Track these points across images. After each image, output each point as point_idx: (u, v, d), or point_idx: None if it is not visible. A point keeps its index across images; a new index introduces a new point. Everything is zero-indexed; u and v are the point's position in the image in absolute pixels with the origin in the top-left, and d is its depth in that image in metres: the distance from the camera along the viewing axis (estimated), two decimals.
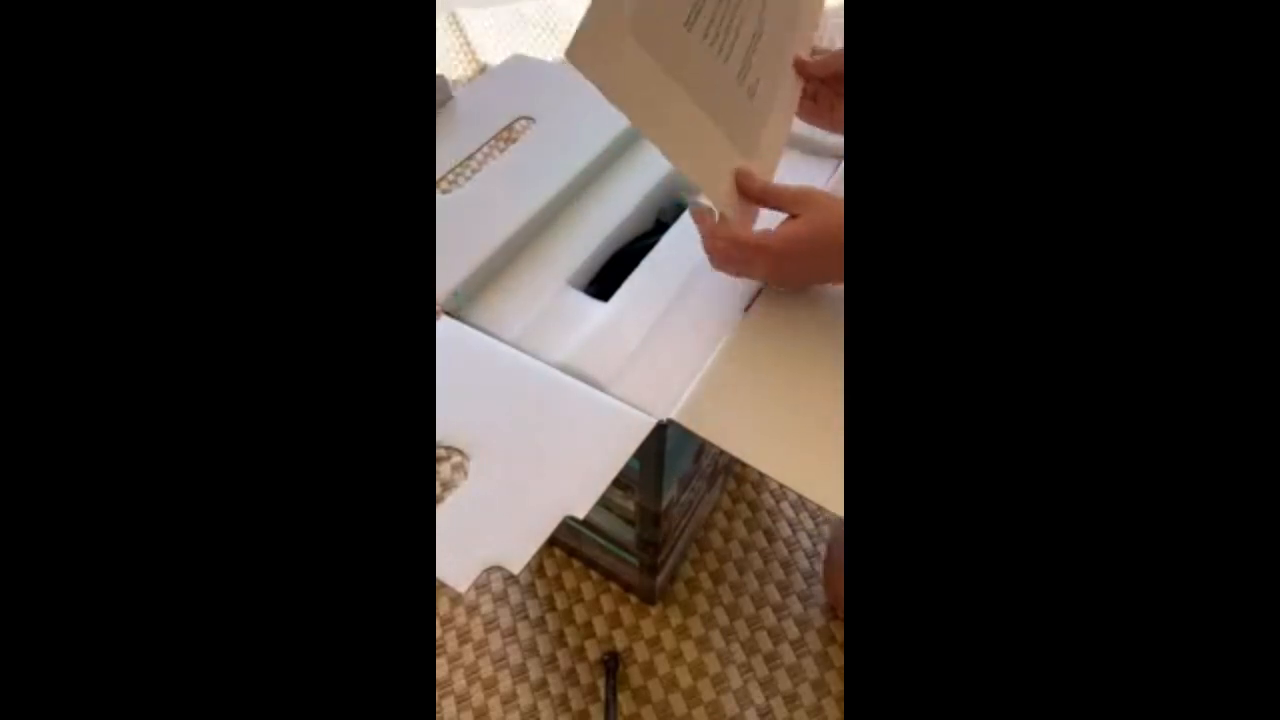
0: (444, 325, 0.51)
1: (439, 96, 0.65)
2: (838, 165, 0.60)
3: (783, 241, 0.46)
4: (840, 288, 0.50)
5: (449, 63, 1.39)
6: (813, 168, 0.60)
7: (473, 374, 0.48)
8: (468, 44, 1.42)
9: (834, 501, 0.42)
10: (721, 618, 0.77)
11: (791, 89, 0.52)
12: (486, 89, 0.68)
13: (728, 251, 0.48)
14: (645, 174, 0.61)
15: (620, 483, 0.44)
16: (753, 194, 0.47)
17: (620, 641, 0.76)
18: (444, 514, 0.41)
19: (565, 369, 0.48)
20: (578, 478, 0.43)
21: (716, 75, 0.47)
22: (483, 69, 1.37)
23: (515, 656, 0.75)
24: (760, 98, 0.49)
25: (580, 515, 0.41)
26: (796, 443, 0.44)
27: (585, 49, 0.41)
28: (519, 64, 0.71)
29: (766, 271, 0.48)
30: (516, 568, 0.39)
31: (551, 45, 1.42)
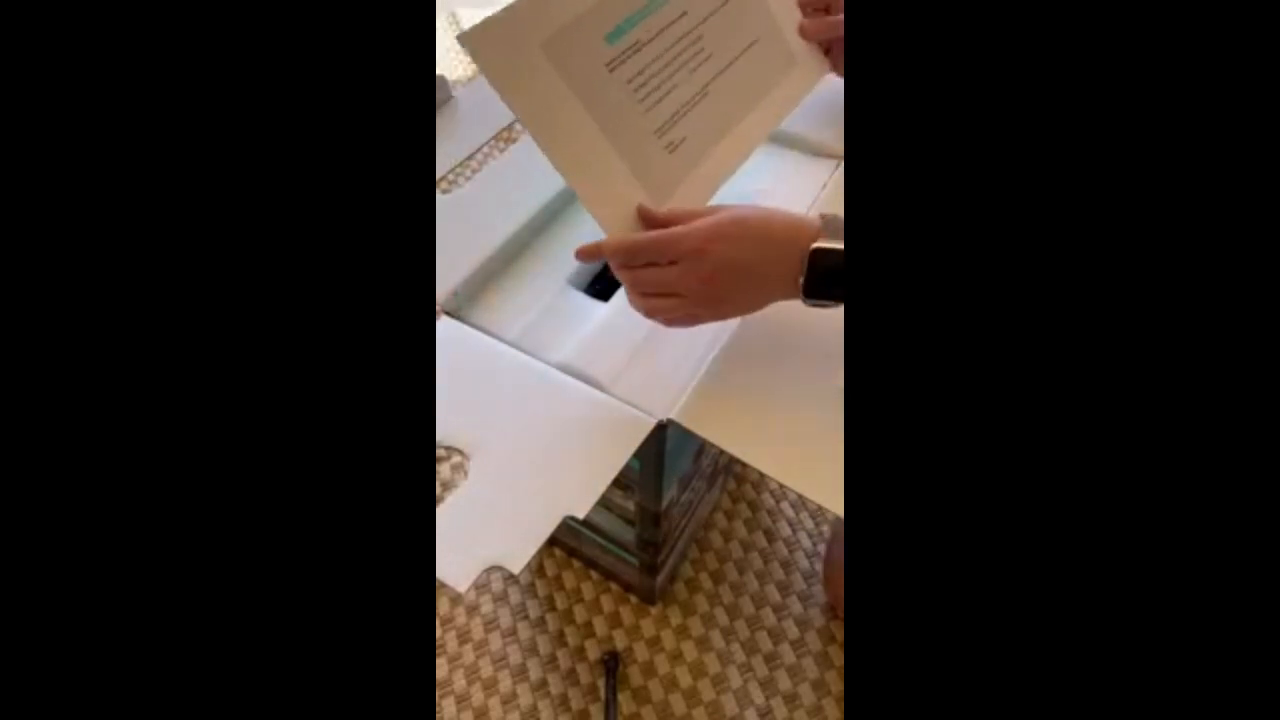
0: (444, 325, 0.51)
1: (439, 96, 0.65)
2: (838, 165, 0.60)
3: (707, 224, 0.42)
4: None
5: (449, 63, 1.39)
6: (813, 168, 0.60)
7: (473, 374, 0.48)
8: None
9: (834, 501, 0.42)
10: (721, 618, 0.77)
11: (730, 156, 0.52)
12: (486, 89, 0.68)
13: (644, 276, 0.44)
14: None
15: (620, 483, 0.44)
16: (658, 220, 0.45)
17: (620, 641, 0.76)
18: (444, 514, 0.41)
19: (565, 369, 0.48)
20: (578, 478, 0.43)
21: (634, 122, 0.47)
22: None
23: (515, 656, 0.75)
24: (683, 155, 0.49)
25: (580, 515, 0.41)
26: (796, 442, 0.44)
27: (484, 39, 0.41)
28: None
29: (693, 270, 0.42)
30: (516, 567, 0.39)
31: None
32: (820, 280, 0.42)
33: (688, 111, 0.50)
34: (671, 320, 0.45)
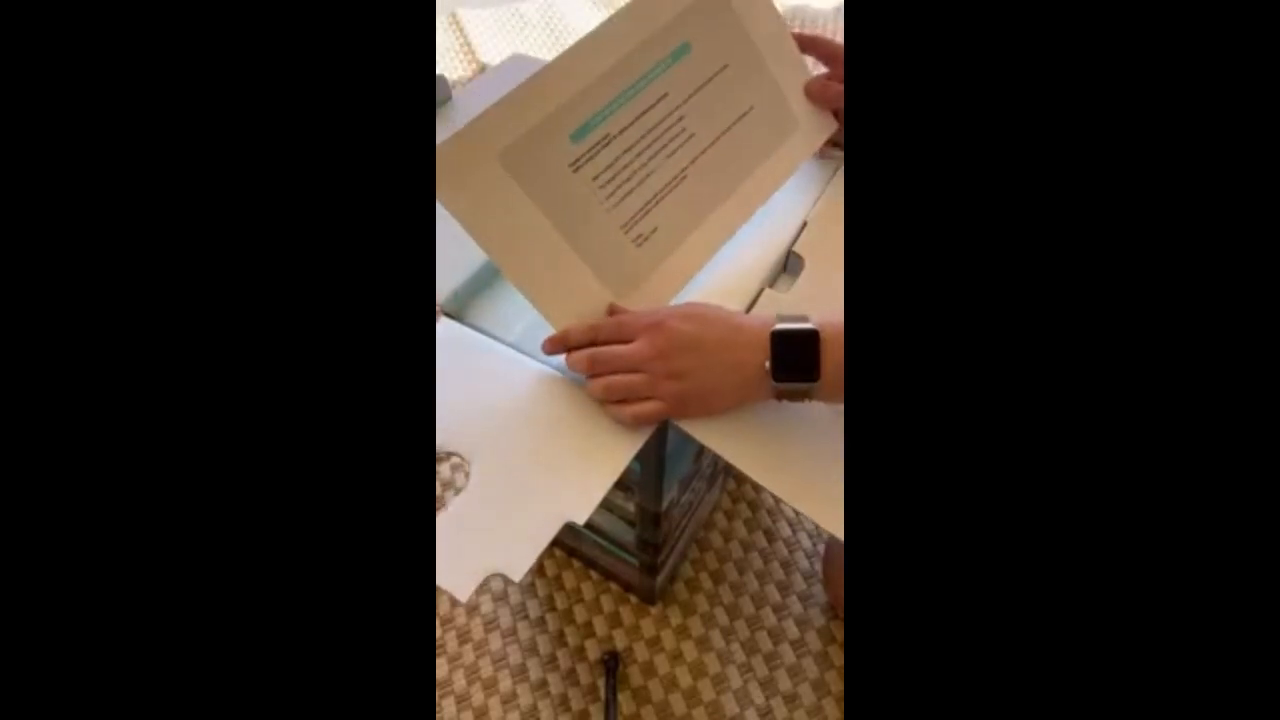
0: (444, 326, 0.51)
1: (439, 96, 0.65)
2: (838, 167, 0.60)
3: (668, 306, 0.45)
4: (839, 291, 0.50)
5: (449, 63, 1.39)
6: (813, 168, 0.60)
7: (473, 375, 0.48)
8: (468, 44, 1.42)
9: (824, 515, 0.41)
10: (721, 618, 0.77)
11: (711, 237, 0.51)
12: (486, 89, 0.68)
13: (603, 353, 0.44)
14: None
15: (621, 484, 0.44)
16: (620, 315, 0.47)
17: (620, 641, 0.76)
18: (445, 521, 0.41)
19: (565, 370, 0.48)
20: (578, 482, 0.43)
21: (598, 220, 0.46)
22: (483, 69, 1.37)
23: (515, 656, 0.75)
24: (653, 247, 0.49)
25: (581, 521, 0.41)
26: (793, 447, 0.44)
27: (441, 157, 0.41)
28: (519, 64, 0.71)
29: (650, 342, 0.43)
30: (517, 575, 0.39)
31: (551, 45, 1.42)
32: (787, 360, 0.41)
33: (661, 199, 0.49)
34: (633, 408, 0.44)
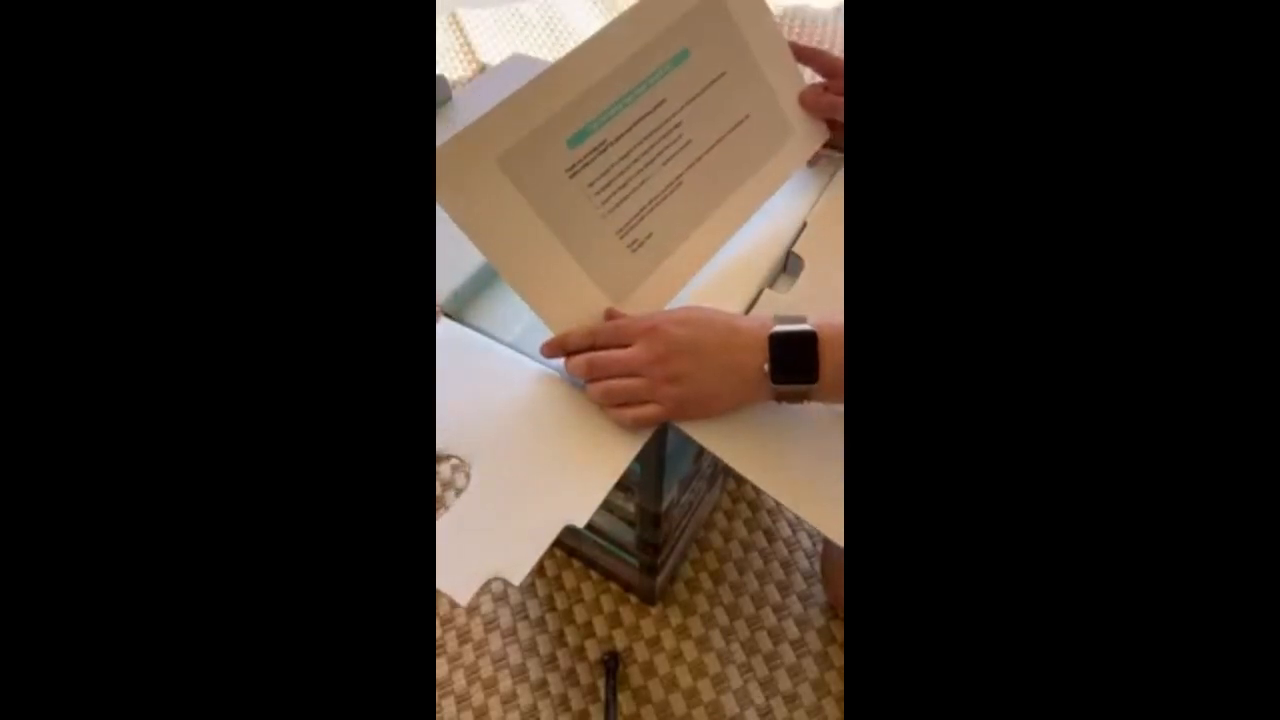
0: (444, 327, 0.51)
1: (439, 96, 0.65)
2: (837, 169, 0.60)
3: (665, 310, 0.45)
4: (839, 292, 0.50)
5: (449, 63, 1.39)
6: (812, 169, 0.60)
7: (473, 376, 0.48)
8: (468, 44, 1.42)
9: (822, 518, 0.41)
10: (721, 618, 0.77)
11: (705, 244, 0.51)
12: (486, 89, 0.68)
13: (601, 357, 0.44)
14: None
15: (621, 484, 0.44)
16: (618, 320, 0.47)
17: (620, 641, 0.76)
18: (445, 525, 0.41)
19: (564, 372, 0.48)
20: (578, 484, 0.43)
21: (593, 225, 0.47)
22: (483, 69, 1.37)
23: (515, 656, 0.75)
24: (647, 252, 0.49)
25: (581, 524, 0.41)
26: (792, 448, 0.44)
27: (441, 159, 0.41)
28: (519, 64, 0.71)
29: (648, 346, 0.43)
30: (518, 579, 0.39)
31: (551, 45, 1.42)
32: (786, 362, 0.41)
33: (656, 206, 0.49)
34: (633, 411, 0.44)
